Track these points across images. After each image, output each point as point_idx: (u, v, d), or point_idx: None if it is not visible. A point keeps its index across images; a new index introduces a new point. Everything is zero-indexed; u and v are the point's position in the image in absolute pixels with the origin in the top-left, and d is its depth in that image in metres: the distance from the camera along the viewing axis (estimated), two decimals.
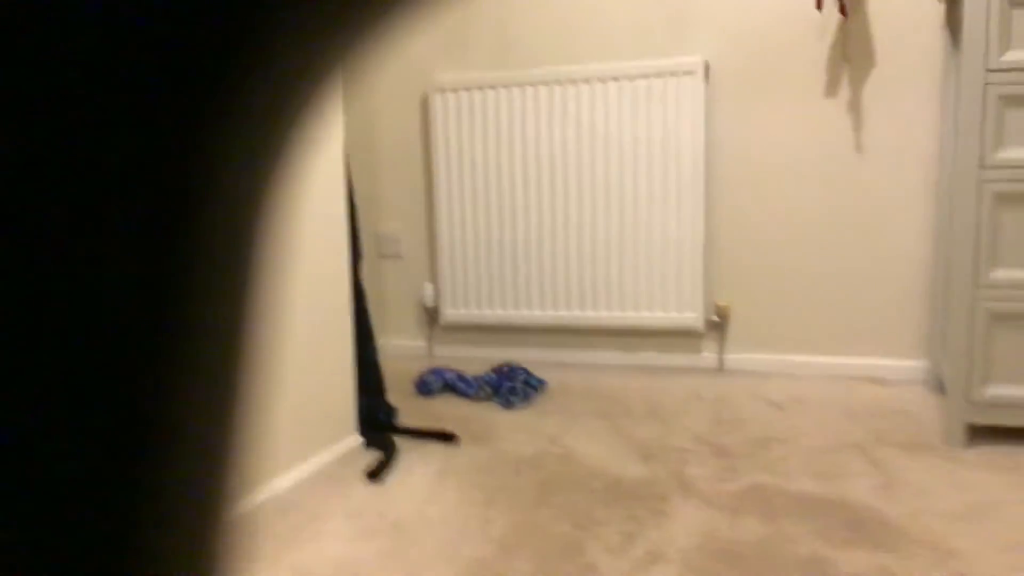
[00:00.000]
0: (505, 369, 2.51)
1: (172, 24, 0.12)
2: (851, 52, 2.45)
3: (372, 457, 1.94)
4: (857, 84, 2.45)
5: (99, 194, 0.13)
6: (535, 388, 2.45)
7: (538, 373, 2.55)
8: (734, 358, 2.64)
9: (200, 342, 0.15)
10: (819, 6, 2.40)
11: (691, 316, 2.62)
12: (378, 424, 2.10)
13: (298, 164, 0.18)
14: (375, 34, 0.17)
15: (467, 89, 2.80)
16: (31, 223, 0.12)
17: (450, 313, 2.92)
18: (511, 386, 2.39)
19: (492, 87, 2.77)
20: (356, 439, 1.99)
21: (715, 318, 2.64)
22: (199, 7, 0.13)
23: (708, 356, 2.67)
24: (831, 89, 2.47)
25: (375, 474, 1.83)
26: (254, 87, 0.14)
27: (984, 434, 1.89)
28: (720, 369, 2.65)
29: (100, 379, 0.13)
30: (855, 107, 2.45)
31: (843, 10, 2.41)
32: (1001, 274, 1.82)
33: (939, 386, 2.28)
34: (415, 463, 1.93)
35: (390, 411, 2.16)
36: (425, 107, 2.94)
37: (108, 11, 0.12)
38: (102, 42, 0.12)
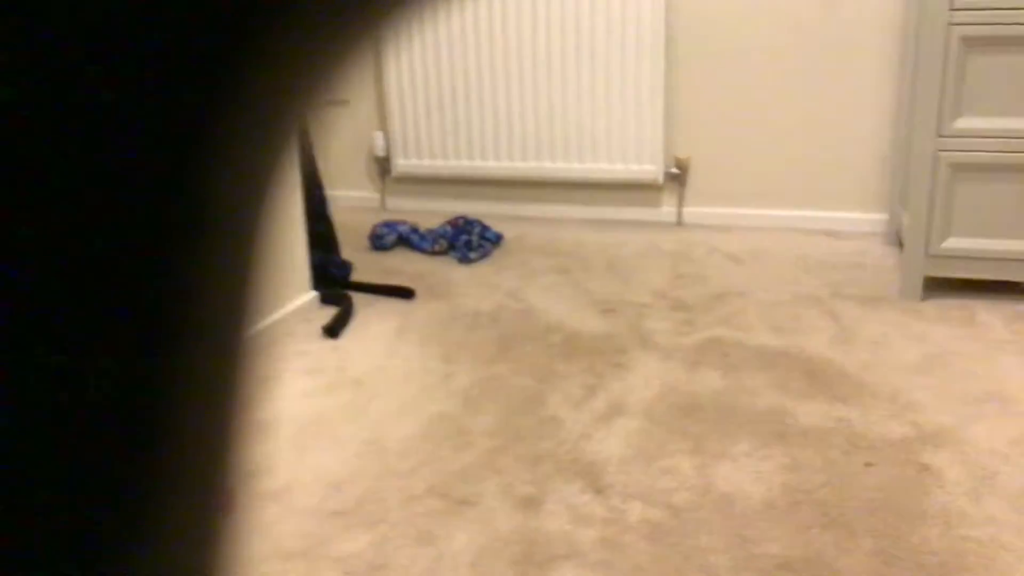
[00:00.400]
0: (461, 222, 2.45)
1: (172, 23, 0.12)
2: None
3: (328, 313, 1.90)
4: None
5: (99, 193, 0.13)
6: (492, 242, 2.40)
7: (495, 227, 2.50)
8: (693, 211, 2.62)
9: (198, 344, 0.15)
10: None
11: (650, 168, 2.56)
12: (332, 279, 2.05)
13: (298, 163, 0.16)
14: (375, 34, 0.17)
15: None
16: (30, 222, 0.12)
17: (402, 164, 2.81)
18: (467, 240, 2.34)
19: None
20: (311, 295, 1.94)
21: (675, 170, 2.59)
22: (199, 7, 0.13)
23: (667, 210, 2.65)
24: None
25: (332, 330, 1.80)
26: (255, 87, 0.14)
27: (941, 286, 1.91)
28: (679, 223, 2.63)
29: (97, 380, 0.13)
30: None
31: None
32: (964, 123, 1.79)
33: (897, 240, 2.30)
34: (372, 319, 1.90)
35: (344, 266, 2.10)
36: None
37: (107, 11, 0.12)
38: (102, 42, 0.12)
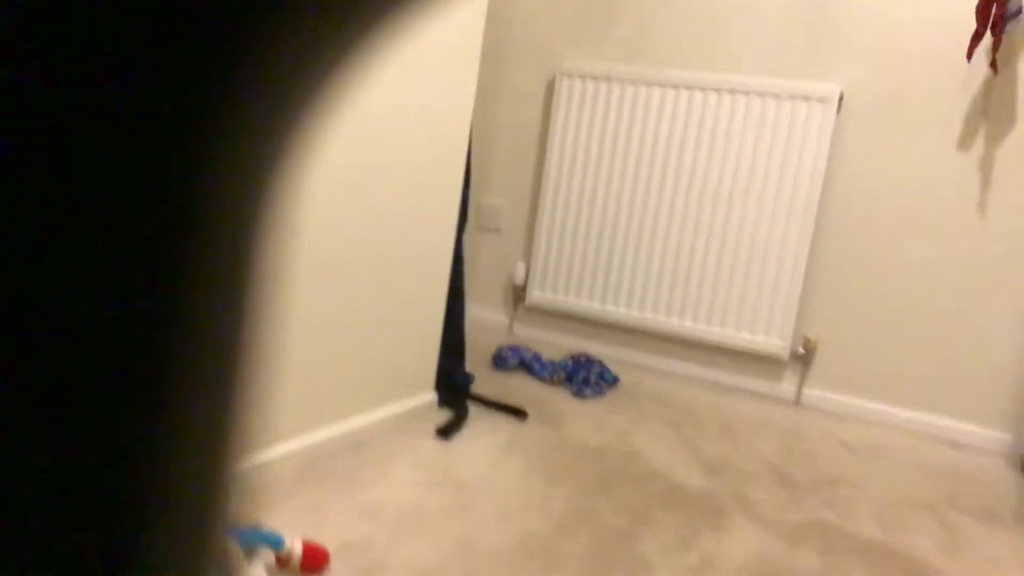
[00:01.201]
0: (582, 359, 2.53)
1: (172, 23, 0.12)
2: (992, 109, 2.37)
3: (444, 416, 1.99)
4: (992, 142, 2.37)
5: (99, 191, 0.12)
6: (608, 382, 2.46)
7: (615, 369, 2.57)
8: (813, 394, 2.61)
9: (202, 337, 0.15)
10: (969, 56, 2.33)
11: (777, 343, 2.59)
12: (454, 386, 2.15)
13: (300, 163, 0.17)
14: (376, 36, 0.16)
15: (594, 78, 2.82)
16: (30, 221, 0.12)
17: (537, 294, 2.95)
18: (585, 376, 2.41)
19: (619, 80, 2.78)
20: (432, 396, 2.05)
21: (801, 350, 2.60)
22: (199, 7, 0.13)
23: (787, 387, 2.64)
24: (964, 143, 2.40)
25: (445, 432, 1.88)
26: (255, 85, 0.14)
27: None
28: (797, 402, 2.62)
29: (99, 376, 0.13)
30: (986, 165, 2.38)
31: (994, 65, 2.33)
32: None
33: (1020, 462, 2.21)
34: (483, 431, 1.97)
35: (467, 376, 2.21)
36: (550, 90, 2.97)
37: (107, 12, 0.12)
38: (101, 43, 0.12)
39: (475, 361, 2.54)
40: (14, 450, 0.13)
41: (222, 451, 0.17)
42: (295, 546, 1.25)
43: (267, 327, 0.18)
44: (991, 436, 2.37)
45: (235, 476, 0.17)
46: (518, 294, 3.06)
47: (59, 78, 0.12)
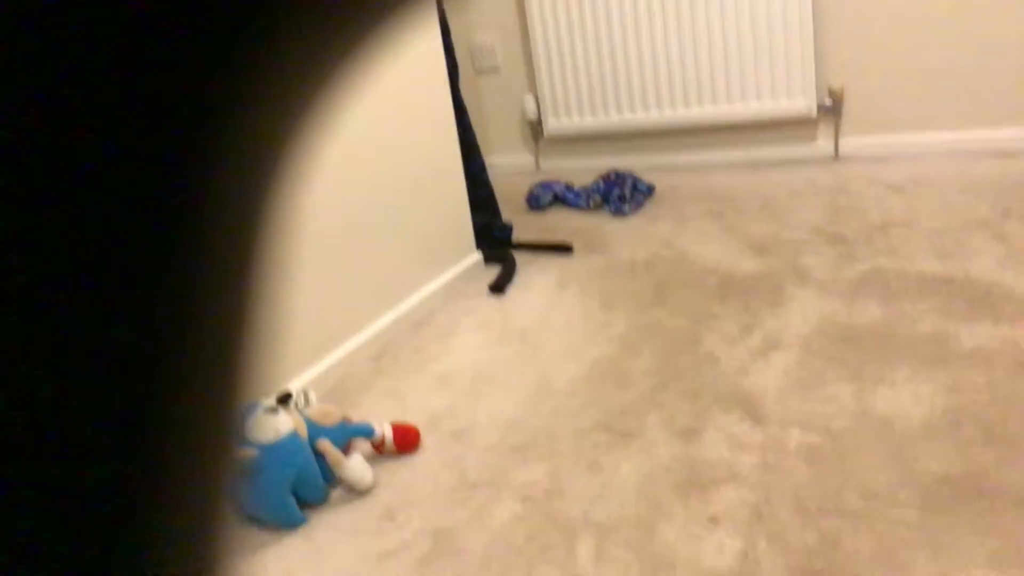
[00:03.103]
0: (612, 176, 2.51)
1: (174, 18, 0.12)
2: None
3: (492, 272, 2.03)
4: None
5: (100, 188, 0.13)
6: (644, 193, 2.45)
7: (647, 178, 2.55)
8: (850, 142, 2.55)
9: (204, 335, 0.15)
10: None
11: (802, 102, 2.52)
12: (494, 240, 2.18)
13: (304, 161, 0.17)
14: (381, 30, 0.16)
15: None
16: (31, 219, 0.12)
17: (553, 124, 2.90)
18: (620, 193, 2.41)
19: None
20: (476, 256, 2.09)
21: (828, 102, 2.53)
22: (202, 7, 0.13)
23: (823, 144, 2.59)
24: None
25: (498, 286, 1.93)
26: (259, 80, 0.14)
27: None
28: (835, 156, 2.57)
29: (98, 371, 0.13)
30: None
31: None
32: None
33: None
34: (534, 274, 2.01)
35: (505, 227, 2.23)
36: None
37: (108, 8, 0.12)
38: (102, 38, 0.12)
39: (510, 208, 2.55)
40: (14, 450, 0.13)
41: (222, 447, 0.17)
42: (385, 430, 1.33)
43: (268, 323, 0.18)
44: None
45: (234, 467, 0.18)
46: (535, 129, 3.01)
47: (60, 78, 0.12)
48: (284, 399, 1.27)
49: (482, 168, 2.21)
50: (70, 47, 0.12)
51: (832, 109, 2.54)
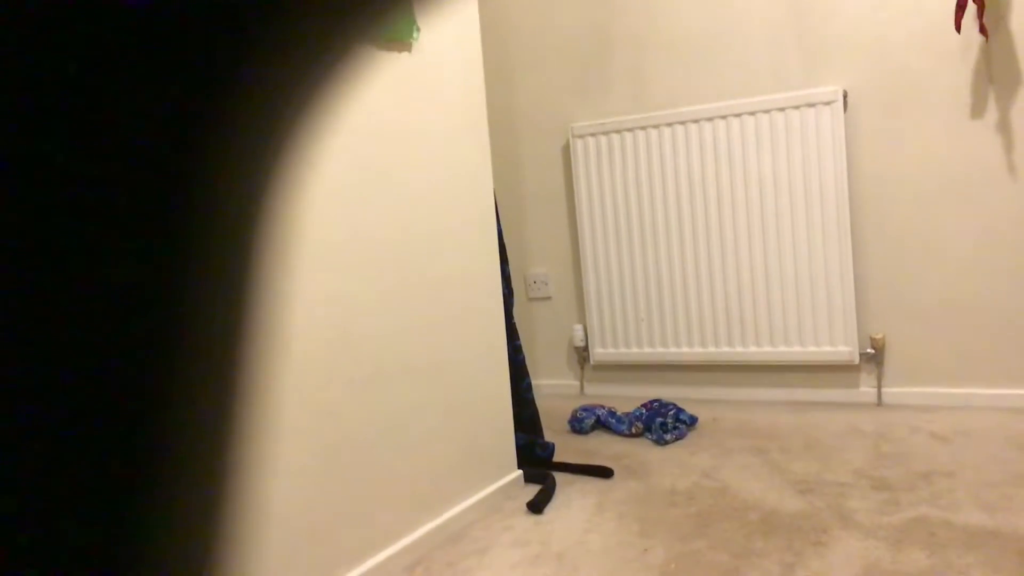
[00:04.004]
0: (656, 405, 2.56)
1: (173, 23, 0.12)
2: (995, 72, 2.38)
3: (532, 491, 2.04)
4: (1004, 104, 2.38)
5: (98, 191, 0.12)
6: (687, 424, 2.48)
7: (690, 409, 2.59)
8: (893, 392, 2.58)
9: (202, 341, 0.15)
10: (957, 27, 2.36)
11: (845, 349, 2.59)
12: (536, 460, 2.20)
13: (303, 164, 0.18)
14: (377, 33, 0.16)
15: (606, 133, 2.91)
16: (30, 220, 0.12)
17: (600, 352, 3.00)
18: (663, 422, 2.44)
19: (630, 129, 2.87)
20: (516, 474, 2.10)
21: (870, 350, 2.59)
22: (200, 6, 0.13)
23: (866, 390, 2.62)
24: (977, 111, 2.41)
25: (536, 505, 1.93)
26: (256, 89, 0.14)
27: None
28: (879, 403, 2.59)
29: (97, 376, 0.13)
30: (1004, 128, 2.38)
31: (983, 30, 2.36)
32: None
33: None
34: (573, 496, 2.01)
35: (547, 447, 2.26)
36: (567, 154, 3.07)
37: (108, 9, 0.12)
38: (102, 39, 0.12)
39: (553, 429, 2.59)
40: (14, 450, 0.12)
41: (223, 446, 0.17)
42: None
43: (267, 329, 0.17)
44: None
45: (234, 476, 0.17)
46: (581, 355, 3.11)
47: (62, 80, 0.12)
48: None
49: (528, 388, 2.28)
50: (70, 48, 0.12)
51: (874, 357, 2.59)
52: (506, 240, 2.93)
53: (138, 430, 0.14)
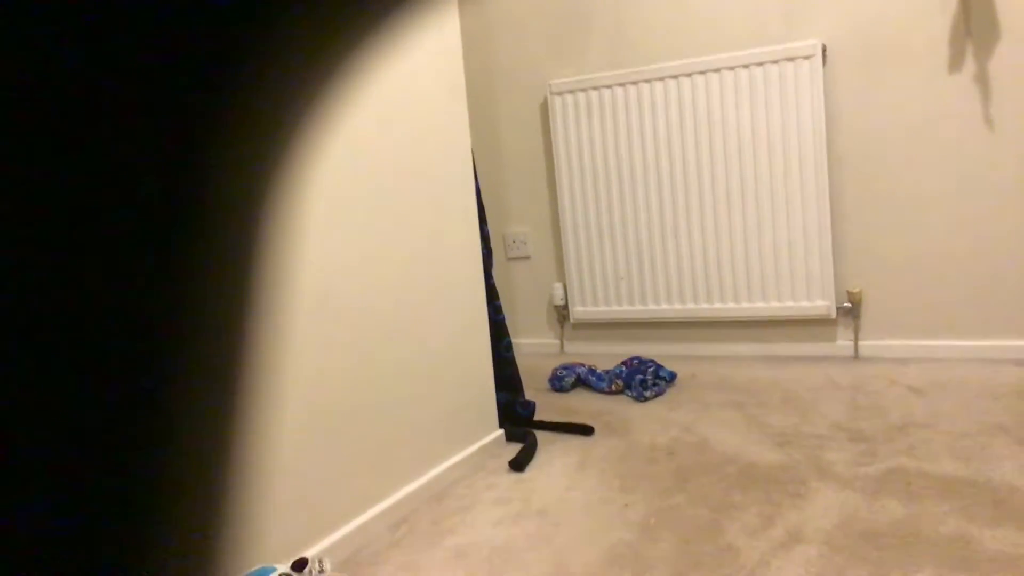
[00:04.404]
0: (635, 362, 2.57)
1: (176, 26, 0.13)
2: (974, 25, 2.37)
3: (514, 449, 2.05)
4: (982, 57, 2.37)
5: (102, 191, 0.13)
6: (666, 380, 2.50)
7: (669, 366, 2.60)
8: (869, 345, 2.61)
9: (201, 335, 0.15)
10: None
11: (822, 303, 2.60)
12: (517, 418, 2.21)
13: (302, 165, 0.17)
14: (376, 36, 0.16)
15: (584, 90, 2.88)
16: (34, 219, 0.12)
17: (580, 311, 3.00)
18: (642, 379, 2.45)
19: (608, 86, 2.83)
20: (498, 433, 2.11)
21: (847, 304, 2.61)
22: (201, 10, 0.13)
23: (843, 344, 2.65)
24: (955, 64, 2.41)
25: (518, 464, 1.94)
26: (260, 86, 0.14)
27: None
28: (855, 357, 2.62)
29: (101, 372, 0.13)
30: (981, 80, 2.38)
31: None
32: None
33: None
34: (554, 454, 2.03)
35: (528, 406, 2.27)
36: (544, 111, 3.04)
37: (111, 13, 0.12)
38: (106, 43, 0.12)
39: (534, 387, 2.60)
40: (16, 450, 0.12)
41: (225, 441, 0.16)
42: None
43: (267, 321, 0.17)
44: None
45: (237, 470, 0.17)
46: (561, 314, 3.11)
47: (67, 78, 0.12)
48: (299, 566, 1.27)
49: (509, 348, 2.28)
50: (70, 49, 0.12)
51: (851, 311, 2.61)
52: (485, 199, 2.91)
53: (138, 431, 0.14)
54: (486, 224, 2.25)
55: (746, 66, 2.62)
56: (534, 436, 2.10)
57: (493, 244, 3.08)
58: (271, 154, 0.16)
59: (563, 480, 1.86)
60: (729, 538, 1.50)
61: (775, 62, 2.58)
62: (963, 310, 2.47)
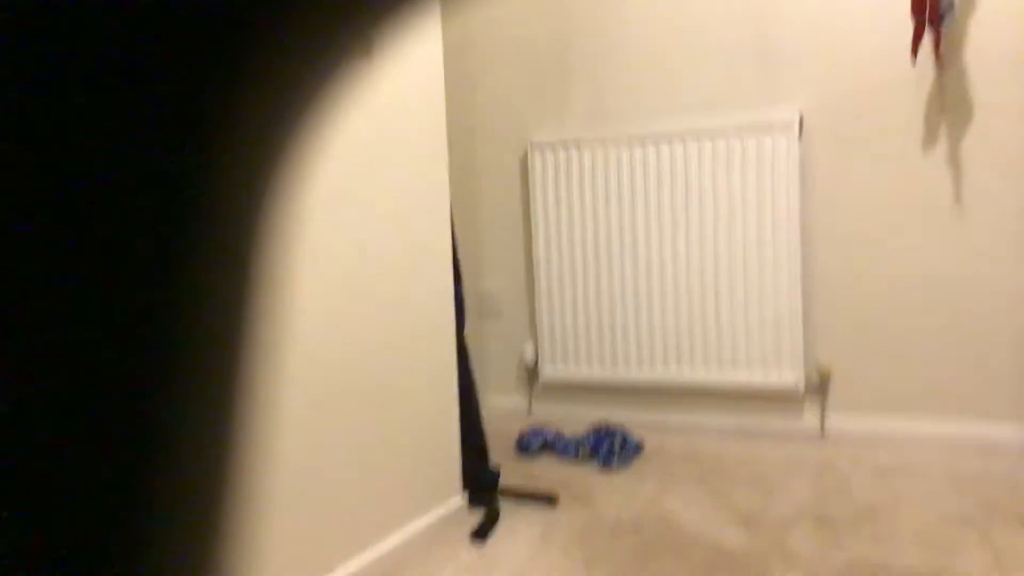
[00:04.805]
0: (603, 429, 2.55)
1: (173, 28, 0.13)
2: (948, 104, 2.43)
3: (476, 517, 2.01)
4: (955, 137, 2.42)
5: (98, 195, 0.13)
6: (633, 449, 2.48)
7: (636, 433, 2.58)
8: (837, 420, 2.61)
9: (200, 344, 0.15)
10: (914, 55, 2.38)
11: (791, 376, 2.61)
12: (481, 485, 2.17)
13: (302, 167, 0.17)
14: (374, 39, 0.16)
15: (564, 147, 2.89)
16: (31, 222, 0.12)
17: (549, 371, 2.98)
18: (609, 447, 2.43)
19: (589, 143, 2.85)
20: (461, 499, 2.07)
21: (816, 378, 2.61)
22: (199, 12, 0.13)
23: (810, 419, 2.65)
24: (929, 142, 2.45)
25: (480, 533, 1.90)
26: (258, 89, 0.14)
27: None
28: (822, 434, 2.62)
29: (97, 381, 0.13)
30: (954, 160, 2.43)
31: (939, 60, 2.39)
32: None
33: None
34: (518, 524, 1.99)
35: (492, 473, 2.23)
36: (524, 166, 3.05)
37: (108, 13, 0.12)
38: (102, 44, 0.12)
39: (499, 449, 2.56)
40: (16, 450, 0.12)
41: (224, 446, 0.16)
42: None
43: (266, 326, 0.17)
44: (1019, 432, 2.36)
45: (235, 477, 0.17)
46: (531, 374, 3.09)
47: (65, 80, 0.12)
48: None
49: (478, 412, 2.25)
50: (70, 50, 0.12)
51: (820, 387, 2.62)
52: (460, 255, 2.89)
53: (138, 432, 0.14)
54: (460, 283, 2.23)
55: (725, 133, 2.65)
56: (498, 504, 2.06)
57: (467, 299, 3.06)
58: (273, 166, 0.16)
59: (526, 552, 1.82)
60: None
61: (753, 130, 2.61)
62: (929, 389, 2.49)
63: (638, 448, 2.50)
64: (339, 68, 0.16)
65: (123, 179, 0.13)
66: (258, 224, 0.16)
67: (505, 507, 2.08)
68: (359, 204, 1.73)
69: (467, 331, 2.33)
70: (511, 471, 2.36)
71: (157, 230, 0.14)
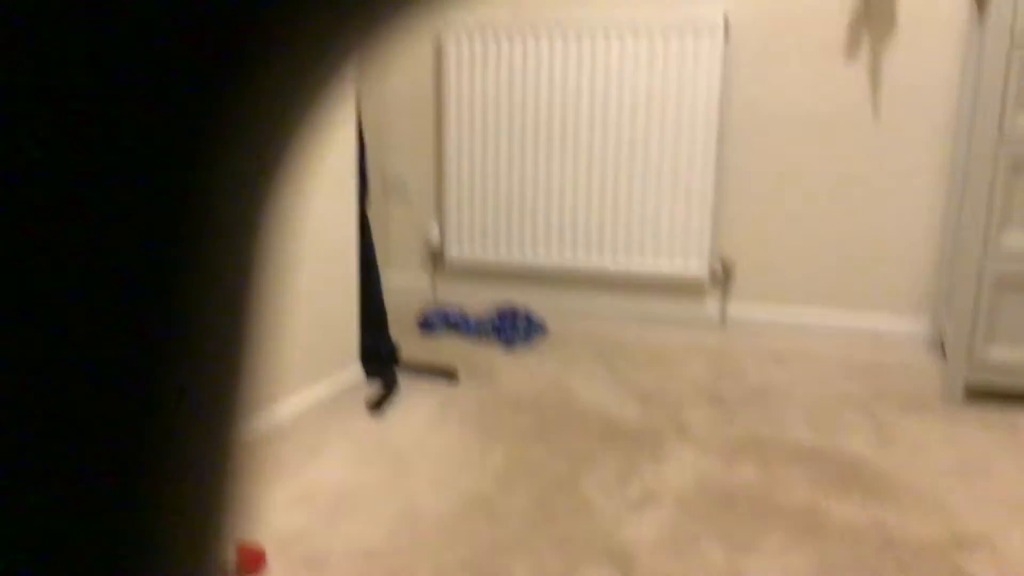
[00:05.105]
0: (507, 310, 2.51)
1: (170, 31, 0.12)
2: (874, 15, 2.40)
3: (373, 389, 1.96)
4: (878, 48, 2.41)
5: (98, 191, 0.12)
6: (536, 330, 2.46)
7: (540, 316, 2.56)
8: (738, 309, 2.65)
9: (203, 341, 0.15)
10: None
11: (696, 265, 2.62)
12: (380, 357, 2.11)
13: (302, 166, 0.17)
14: (375, 42, 0.16)
15: (482, 33, 2.75)
16: (30, 220, 0.12)
17: (454, 253, 2.91)
18: (513, 327, 2.40)
19: (507, 31, 2.72)
20: (358, 370, 2.01)
21: (720, 270, 2.63)
22: (197, 15, 0.13)
23: (711, 308, 2.68)
24: (851, 52, 2.43)
25: (376, 405, 1.85)
26: (256, 91, 0.14)
27: (981, 396, 1.90)
28: (722, 323, 2.66)
29: (101, 360, 0.13)
30: (874, 71, 2.42)
31: None
32: (1011, 240, 1.81)
33: (939, 347, 2.29)
34: (416, 397, 1.95)
35: (391, 345, 2.17)
36: (438, 50, 2.89)
37: (103, 18, 0.12)
38: (99, 47, 0.12)
39: (402, 328, 2.50)
40: (16, 450, 0.12)
41: (224, 444, 0.17)
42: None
43: (266, 331, 0.18)
44: (911, 324, 2.45)
45: (237, 473, 0.17)
46: (436, 255, 3.01)
47: (61, 82, 0.12)
48: None
49: (378, 286, 2.17)
50: (70, 50, 0.12)
51: (723, 278, 2.64)
52: (365, 132, 2.75)
53: (139, 434, 0.14)
54: (364, 158, 2.11)
55: (650, 30, 2.56)
56: (396, 378, 2.01)
57: (372, 180, 2.93)
58: (271, 155, 0.16)
59: (422, 425, 1.79)
60: (585, 493, 1.47)
61: (678, 28, 2.53)
62: (828, 284, 2.54)
63: (542, 330, 2.48)
64: (339, 71, 0.16)
65: (123, 179, 0.13)
66: (258, 224, 0.16)
67: (404, 382, 2.03)
68: None
69: (369, 208, 2.23)
70: (413, 348, 2.31)
71: (156, 231, 0.13)
